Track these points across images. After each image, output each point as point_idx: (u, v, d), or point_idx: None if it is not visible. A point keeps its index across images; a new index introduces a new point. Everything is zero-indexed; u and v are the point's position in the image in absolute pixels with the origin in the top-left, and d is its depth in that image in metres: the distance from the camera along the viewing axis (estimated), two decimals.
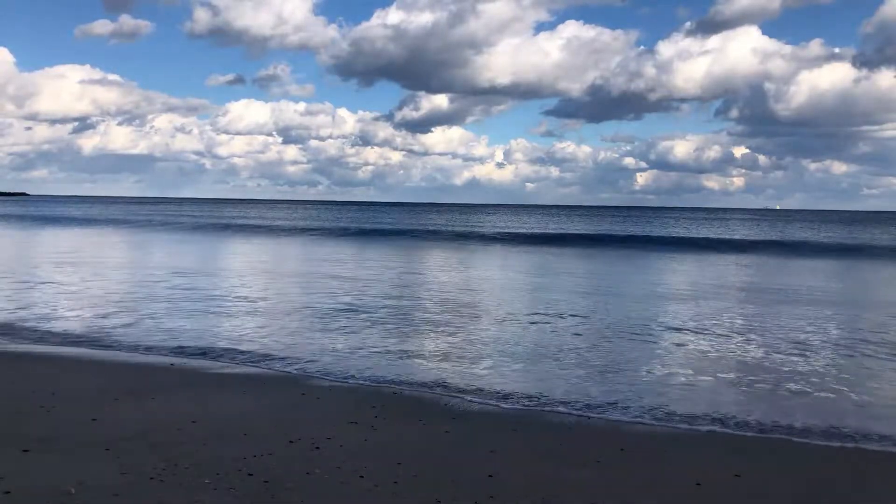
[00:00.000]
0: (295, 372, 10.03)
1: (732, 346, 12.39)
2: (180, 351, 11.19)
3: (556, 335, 12.96)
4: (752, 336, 13.30)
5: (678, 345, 12.36)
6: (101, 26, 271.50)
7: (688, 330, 13.80)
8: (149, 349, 11.28)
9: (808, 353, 11.69)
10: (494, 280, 24.50)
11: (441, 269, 28.40)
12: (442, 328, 13.64)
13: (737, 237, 54.88)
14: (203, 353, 11.12)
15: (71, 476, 5.63)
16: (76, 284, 19.51)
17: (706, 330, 13.83)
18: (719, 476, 6.21)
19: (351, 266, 28.28)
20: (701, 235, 56.04)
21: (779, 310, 16.93)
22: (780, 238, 53.95)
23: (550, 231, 60.35)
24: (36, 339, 11.99)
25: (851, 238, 55.44)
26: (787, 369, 10.59)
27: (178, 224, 63.63)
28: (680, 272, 28.85)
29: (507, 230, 60.08)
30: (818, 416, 8.22)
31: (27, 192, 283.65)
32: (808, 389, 9.48)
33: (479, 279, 24.27)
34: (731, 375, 10.26)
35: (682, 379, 9.96)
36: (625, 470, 6.33)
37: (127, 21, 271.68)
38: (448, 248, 40.65)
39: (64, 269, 23.76)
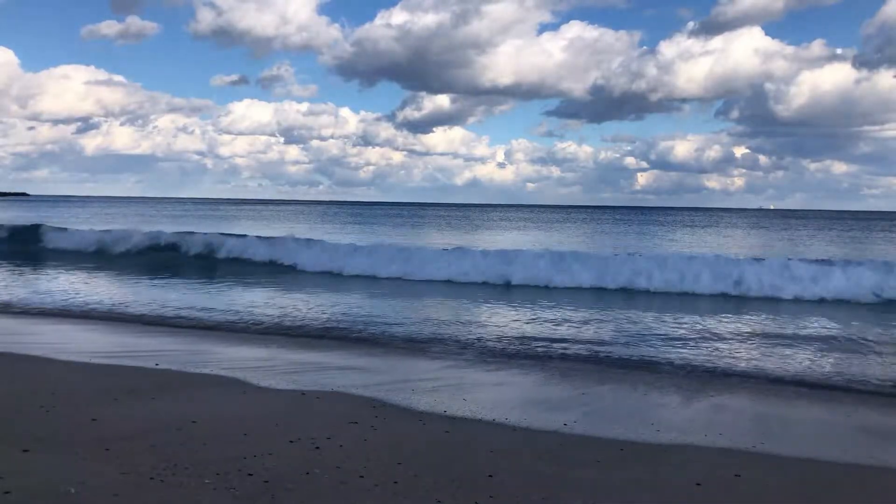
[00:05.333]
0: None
1: None
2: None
3: None
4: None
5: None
6: (108, 27, 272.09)
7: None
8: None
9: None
10: None
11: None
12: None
13: None
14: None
15: (71, 476, 5.62)
16: None
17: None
18: (719, 476, 6.20)
19: None
20: None
21: None
22: None
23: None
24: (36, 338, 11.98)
25: None
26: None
27: None
28: None
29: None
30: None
31: (27, 192, 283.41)
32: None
33: None
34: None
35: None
36: (625, 470, 6.32)
37: (134, 22, 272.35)
38: None
39: None
